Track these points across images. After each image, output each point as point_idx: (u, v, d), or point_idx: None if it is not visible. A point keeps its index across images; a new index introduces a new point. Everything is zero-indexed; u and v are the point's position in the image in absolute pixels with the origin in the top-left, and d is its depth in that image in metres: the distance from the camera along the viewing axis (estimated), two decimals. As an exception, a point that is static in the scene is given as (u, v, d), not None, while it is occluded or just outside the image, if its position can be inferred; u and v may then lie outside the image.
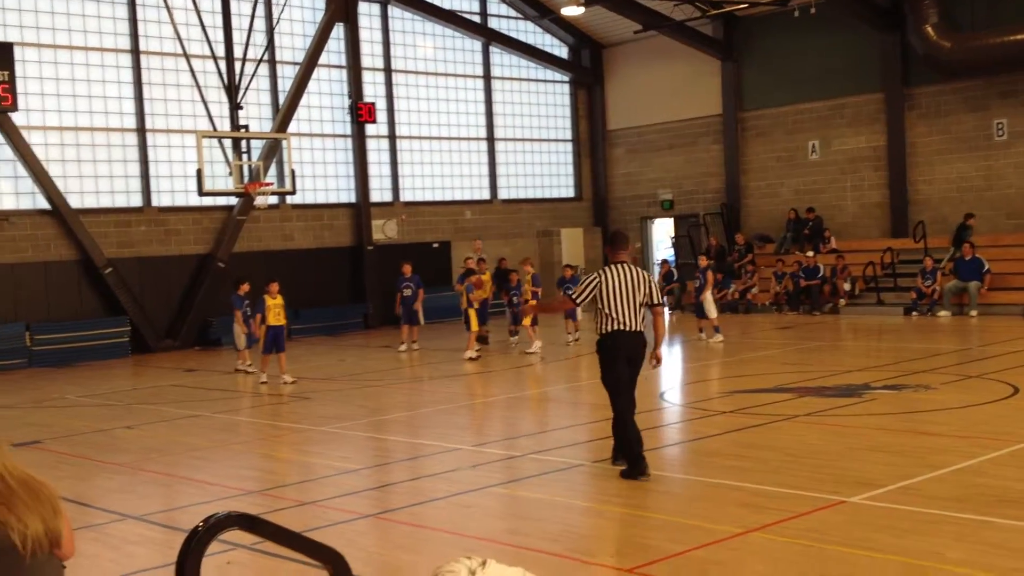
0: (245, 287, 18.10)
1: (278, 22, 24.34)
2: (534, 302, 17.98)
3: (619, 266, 9.09)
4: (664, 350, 9.80)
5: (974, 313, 21.81)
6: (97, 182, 23.01)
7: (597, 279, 9.05)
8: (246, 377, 17.74)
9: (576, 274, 19.83)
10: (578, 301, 9.19)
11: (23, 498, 3.33)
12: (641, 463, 8.78)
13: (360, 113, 26.49)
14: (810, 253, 24.95)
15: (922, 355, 16.14)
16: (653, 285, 9.11)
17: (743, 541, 6.84)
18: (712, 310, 19.80)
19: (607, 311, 8.96)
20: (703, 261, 20.91)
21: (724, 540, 6.86)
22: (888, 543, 6.60)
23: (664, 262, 28.10)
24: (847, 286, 24.20)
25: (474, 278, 19.61)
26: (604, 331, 9.03)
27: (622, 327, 8.95)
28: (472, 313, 19.07)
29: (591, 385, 14.71)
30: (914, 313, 22.67)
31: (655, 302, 9.11)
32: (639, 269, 9.19)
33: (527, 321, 18.94)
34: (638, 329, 9.01)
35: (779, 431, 10.60)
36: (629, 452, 8.90)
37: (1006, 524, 6.92)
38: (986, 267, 22.07)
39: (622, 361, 9.01)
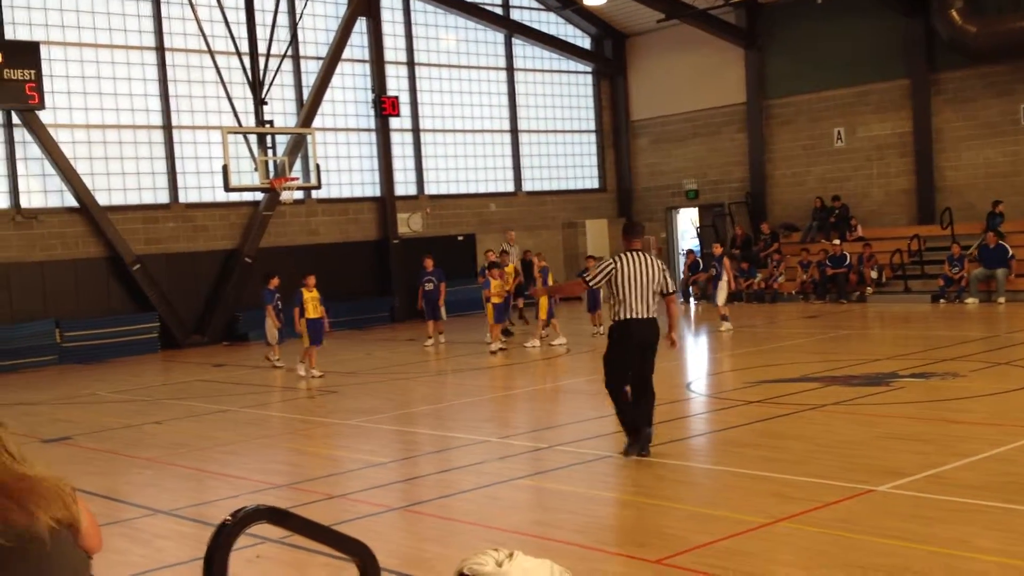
0: (275, 281, 18.16)
1: (301, 17, 24.40)
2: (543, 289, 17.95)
3: (634, 254, 9.26)
4: (678, 335, 9.95)
5: (1002, 300, 21.63)
6: (124, 179, 23.19)
7: (612, 265, 9.23)
8: (275, 372, 17.83)
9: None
10: (592, 284, 9.44)
11: (21, 492, 3.37)
12: (638, 438, 9.12)
13: (384, 107, 26.56)
14: (836, 241, 24.80)
15: (950, 343, 16.03)
16: (667, 274, 9.31)
17: (770, 531, 6.83)
18: (720, 298, 19.80)
19: (621, 298, 9.15)
20: (717, 249, 20.80)
21: (751, 530, 6.85)
22: (917, 532, 6.58)
23: (690, 252, 28.02)
24: (874, 274, 24.05)
25: (494, 271, 19.53)
26: (617, 318, 9.23)
27: (635, 315, 9.13)
28: (489, 307, 18.97)
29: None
30: (942, 300, 22.51)
31: (669, 290, 9.31)
32: (653, 258, 9.36)
33: (542, 315, 18.97)
34: (651, 316, 9.18)
35: (806, 420, 10.57)
36: (629, 428, 9.23)
37: (1036, 512, 6.88)
38: (1011, 254, 21.88)
39: (631, 348, 9.20)
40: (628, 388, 9.37)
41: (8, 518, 3.33)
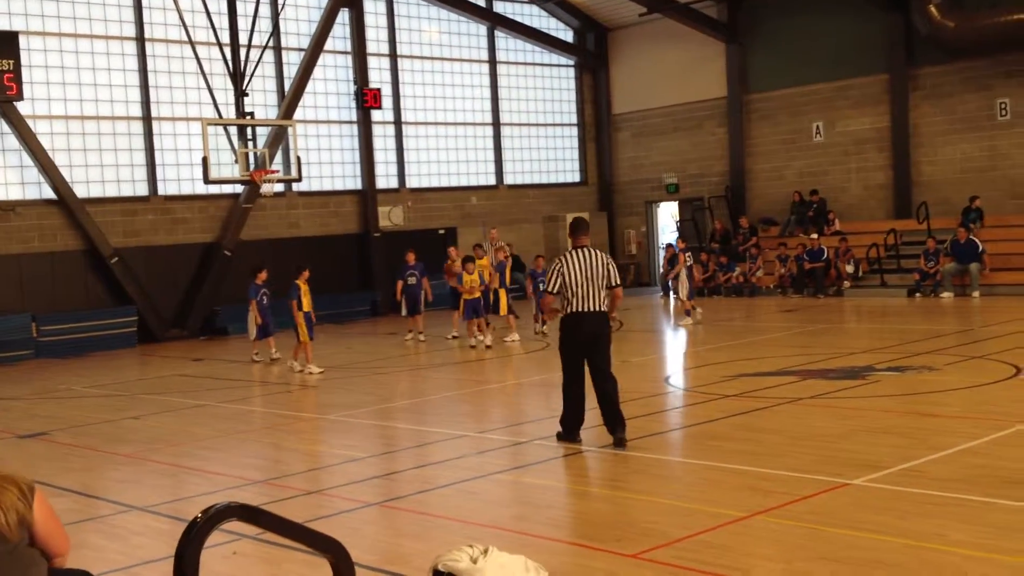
0: (263, 275, 18.03)
1: (283, 8, 24.31)
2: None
3: (580, 250, 9.65)
4: (617, 319, 10.54)
5: (976, 294, 21.80)
6: (103, 171, 23.06)
7: (559, 264, 9.64)
8: (253, 367, 17.77)
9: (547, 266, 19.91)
10: (551, 290, 9.69)
11: None
12: (572, 437, 9.72)
13: (365, 99, 26.49)
14: (814, 236, 24.92)
15: (925, 336, 16.14)
16: (612, 268, 9.66)
17: (747, 525, 6.87)
18: (683, 292, 20.16)
19: (569, 294, 9.54)
20: (681, 244, 21.12)
21: (728, 524, 6.89)
22: (892, 525, 6.63)
23: (669, 246, 28.10)
24: (850, 268, 24.18)
25: (450, 264, 19.38)
26: (567, 311, 9.61)
27: (583, 308, 9.51)
28: (502, 294, 19.10)
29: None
30: (917, 294, 22.66)
31: (614, 284, 9.66)
32: (600, 253, 9.72)
33: (503, 310, 19.10)
34: (599, 310, 9.56)
35: (783, 414, 10.62)
36: (566, 425, 9.76)
37: (1010, 505, 6.95)
38: (981, 248, 22.06)
39: (580, 340, 9.57)
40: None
41: None
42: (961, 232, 22.33)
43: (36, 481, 3.80)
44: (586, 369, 9.68)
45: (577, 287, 9.49)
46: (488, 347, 18.00)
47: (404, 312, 20.25)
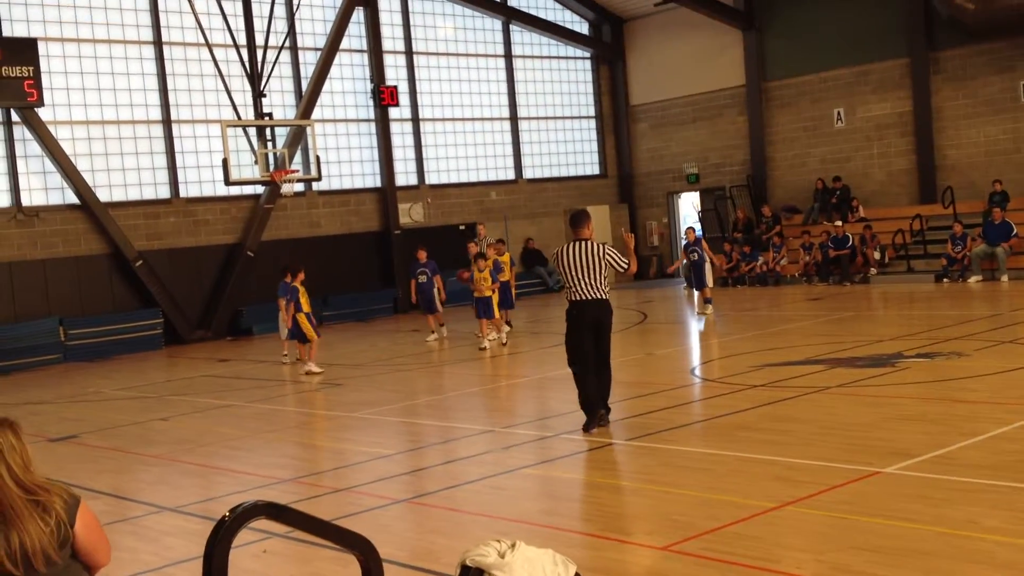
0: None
1: (298, 8, 24.35)
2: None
3: (577, 243, 10.02)
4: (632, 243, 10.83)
5: (1004, 278, 21.60)
6: (125, 175, 23.19)
7: (556, 256, 10.13)
8: (282, 367, 17.82)
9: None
10: (561, 283, 10.25)
11: (20, 509, 3.33)
12: (594, 417, 9.93)
13: (383, 97, 26.51)
14: (838, 223, 24.76)
15: (954, 322, 16.00)
16: (612, 254, 10.04)
17: (777, 515, 6.83)
18: (710, 281, 20.28)
19: (569, 283, 10.03)
20: (691, 235, 20.90)
21: (758, 515, 6.85)
22: (924, 513, 6.57)
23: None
24: (876, 255, 24.02)
25: (480, 262, 17.92)
26: (569, 300, 10.11)
27: (582, 297, 9.95)
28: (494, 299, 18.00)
29: (620, 364, 14.72)
30: (945, 280, 22.48)
31: (621, 268, 10.09)
32: (597, 244, 10.05)
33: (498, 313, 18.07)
34: (598, 298, 9.94)
35: (811, 403, 10.56)
36: (586, 408, 9.98)
37: (1043, 491, 6.87)
38: (1014, 231, 21.85)
39: (584, 329, 9.95)
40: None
41: (18, 531, 3.30)
42: (996, 212, 22.10)
43: (69, 484, 3.79)
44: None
45: (572, 277, 9.93)
46: (504, 344, 17.78)
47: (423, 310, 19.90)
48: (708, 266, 20.42)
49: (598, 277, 9.93)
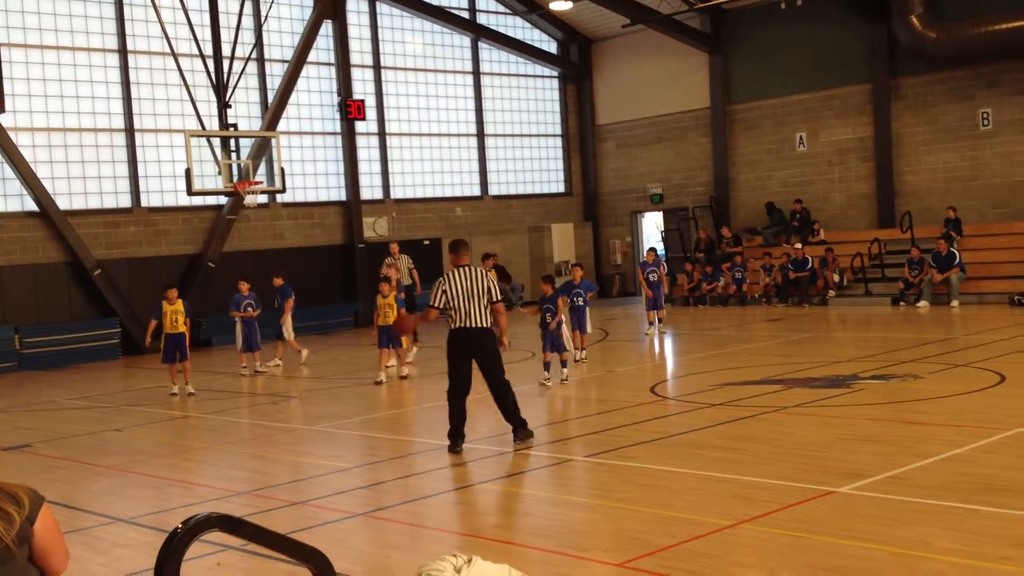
0: (245, 286, 18.06)
1: (266, 20, 24.28)
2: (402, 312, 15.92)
3: (461, 269, 10.17)
4: (508, 339, 10.80)
5: (955, 303, 21.89)
6: (85, 183, 22.96)
7: (441, 282, 10.15)
8: (242, 379, 17.70)
9: (655, 259, 20.23)
10: (435, 305, 10.12)
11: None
12: (458, 439, 10.10)
13: (349, 110, 26.47)
14: (798, 245, 25.00)
15: (910, 345, 16.19)
16: (491, 284, 10.17)
17: (733, 533, 6.87)
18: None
19: (452, 311, 10.07)
20: (651, 256, 20.67)
21: (714, 532, 6.88)
22: (877, 532, 6.64)
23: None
24: (836, 277, 24.26)
25: (384, 286, 16.34)
26: (451, 327, 10.18)
27: (464, 324, 10.05)
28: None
29: (579, 380, 14.75)
30: (902, 303, 22.74)
31: (494, 299, 10.16)
32: (480, 271, 10.25)
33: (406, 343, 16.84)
34: (480, 326, 10.07)
35: (768, 423, 10.63)
36: (452, 434, 10.14)
37: (994, 512, 6.96)
38: (958, 260, 22.16)
39: (463, 355, 10.13)
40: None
41: None
42: (941, 244, 22.45)
43: None
44: (479, 383, 10.35)
45: (460, 304, 10.00)
46: (403, 378, 16.07)
47: None
48: (662, 288, 20.06)
49: (482, 303, 10.07)
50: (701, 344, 18.68)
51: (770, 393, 12.30)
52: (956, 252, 22.33)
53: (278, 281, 18.76)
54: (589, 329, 16.74)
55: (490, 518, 7.93)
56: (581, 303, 16.12)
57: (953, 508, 7.10)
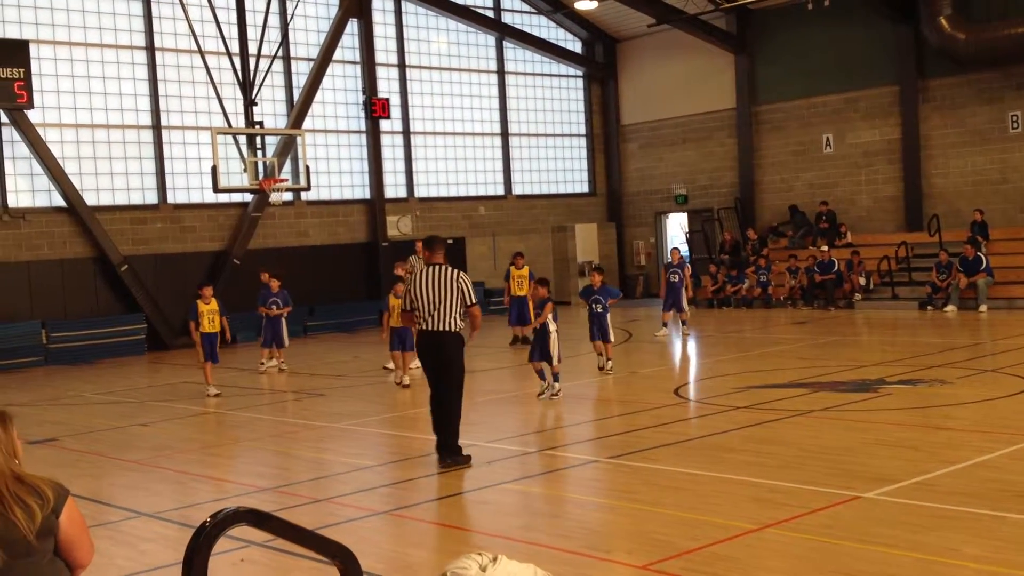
0: (275, 283, 18.05)
1: (292, 18, 24.38)
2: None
3: (432, 268, 9.43)
4: (475, 341, 10.20)
5: (983, 308, 21.70)
6: (113, 179, 23.11)
7: (408, 281, 9.57)
8: (260, 376, 17.76)
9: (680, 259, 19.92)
10: (407, 308, 9.54)
11: (5, 496, 3.31)
12: (442, 452, 9.36)
13: (374, 109, 26.53)
14: (824, 247, 24.86)
15: (937, 350, 16.06)
16: (466, 286, 9.37)
17: (757, 537, 6.82)
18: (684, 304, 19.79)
19: (420, 311, 9.36)
20: (675, 256, 20.60)
21: (738, 536, 6.84)
22: (903, 539, 6.58)
23: (675, 250, 27.92)
24: (862, 280, 24.10)
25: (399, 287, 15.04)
26: (419, 329, 9.50)
27: (424, 327, 9.35)
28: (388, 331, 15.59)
29: (603, 381, 14.71)
30: (929, 307, 22.56)
31: (469, 302, 9.36)
32: (453, 271, 9.42)
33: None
34: (439, 329, 9.28)
35: (794, 426, 10.57)
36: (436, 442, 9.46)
37: (1022, 519, 6.88)
38: (984, 264, 21.97)
39: (425, 360, 9.50)
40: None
41: (8, 518, 3.27)
42: (968, 249, 22.27)
43: None
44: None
45: (421, 305, 9.31)
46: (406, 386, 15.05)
47: None
48: (684, 290, 19.84)
49: (451, 306, 9.27)
50: (725, 346, 18.60)
51: (795, 397, 12.22)
52: (983, 256, 22.15)
53: (275, 284, 18.42)
54: (612, 337, 15.34)
55: (513, 518, 7.91)
56: (600, 310, 14.84)
57: (981, 515, 7.02)
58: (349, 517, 7.97)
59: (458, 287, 9.30)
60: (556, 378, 13.05)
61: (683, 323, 19.94)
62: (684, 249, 29.81)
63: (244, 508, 3.20)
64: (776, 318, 23.15)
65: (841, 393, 12.25)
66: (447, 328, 9.30)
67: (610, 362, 15.16)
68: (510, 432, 11.69)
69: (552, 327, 12.95)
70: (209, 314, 15.46)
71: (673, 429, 11.15)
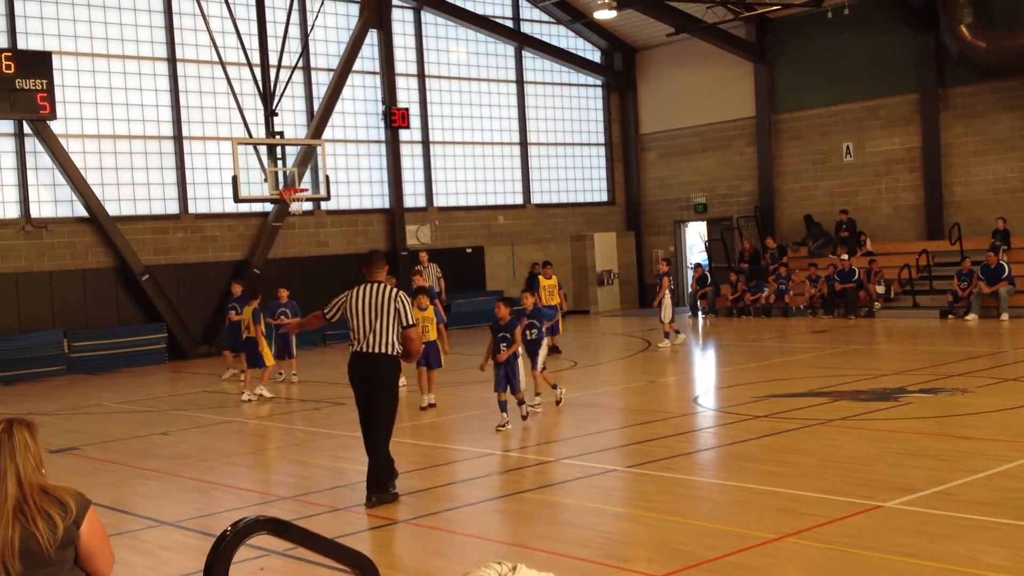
0: (284, 293, 18.21)
1: (312, 29, 24.51)
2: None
3: (370, 286, 8.88)
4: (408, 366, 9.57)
5: (1005, 316, 21.55)
6: (134, 190, 23.27)
7: (345, 297, 8.92)
8: (285, 386, 17.82)
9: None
10: (328, 316, 8.99)
11: (29, 506, 3.34)
12: (370, 487, 8.66)
13: (394, 119, 26.62)
14: (844, 256, 24.74)
15: (958, 358, 15.97)
16: (402, 307, 8.76)
17: (778, 547, 6.80)
18: (666, 314, 19.70)
19: (353, 331, 8.80)
20: (664, 267, 20.62)
21: (758, 546, 6.82)
22: (924, 548, 6.55)
23: (698, 266, 27.97)
24: (880, 289, 23.99)
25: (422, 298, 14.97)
26: (351, 350, 8.92)
27: (358, 348, 8.77)
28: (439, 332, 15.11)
29: (622, 390, 14.70)
30: (950, 316, 22.43)
31: (405, 324, 8.76)
32: (393, 291, 8.87)
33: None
34: (374, 351, 8.67)
35: (814, 435, 10.53)
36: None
37: (1044, 530, 6.84)
38: (1007, 272, 21.84)
39: (357, 383, 8.86)
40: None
41: (24, 527, 3.31)
42: (990, 256, 22.14)
43: None
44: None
45: (355, 324, 8.73)
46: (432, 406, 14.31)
47: None
48: (666, 300, 19.81)
49: (387, 326, 8.68)
50: (744, 355, 18.55)
51: (816, 406, 12.18)
52: (1005, 264, 22.02)
53: (284, 294, 18.40)
54: (540, 366, 13.37)
55: (532, 527, 7.91)
56: (536, 335, 13.13)
57: (1002, 524, 6.98)
58: (368, 526, 7.99)
59: (395, 308, 8.71)
60: (521, 403, 12.31)
61: (667, 334, 19.92)
62: (703, 258, 29.87)
63: (265, 517, 3.22)
64: (795, 327, 23.07)
65: (861, 402, 12.20)
66: (382, 351, 8.68)
67: (538, 397, 13.35)
68: (528, 441, 11.68)
69: (520, 351, 12.32)
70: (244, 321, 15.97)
71: (692, 438, 11.14)
